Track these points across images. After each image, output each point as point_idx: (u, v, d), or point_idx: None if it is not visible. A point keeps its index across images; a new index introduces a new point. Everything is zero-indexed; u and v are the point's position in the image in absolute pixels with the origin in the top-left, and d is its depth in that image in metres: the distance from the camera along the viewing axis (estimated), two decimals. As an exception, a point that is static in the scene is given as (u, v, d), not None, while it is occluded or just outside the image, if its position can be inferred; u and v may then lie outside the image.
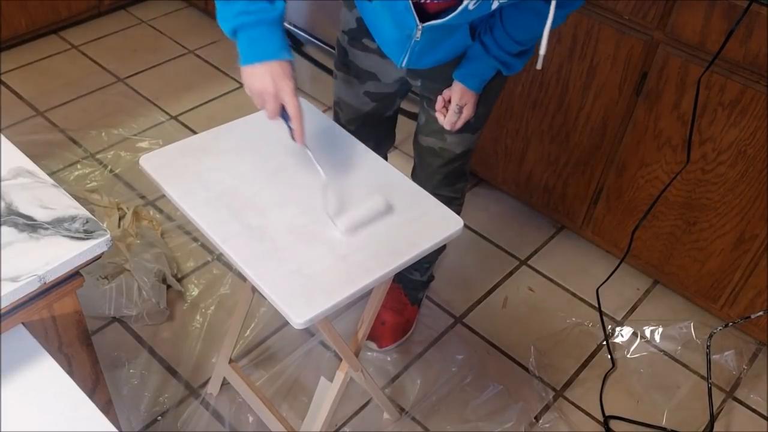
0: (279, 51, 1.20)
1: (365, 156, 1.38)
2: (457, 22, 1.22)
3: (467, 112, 1.44)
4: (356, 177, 1.33)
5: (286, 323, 1.43)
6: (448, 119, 1.45)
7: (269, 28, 1.20)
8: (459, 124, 1.46)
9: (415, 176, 1.73)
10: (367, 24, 1.46)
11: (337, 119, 1.70)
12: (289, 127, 1.24)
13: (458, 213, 1.76)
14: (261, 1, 1.18)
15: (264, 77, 1.20)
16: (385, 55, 1.47)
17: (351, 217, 1.22)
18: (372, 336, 1.93)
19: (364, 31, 1.48)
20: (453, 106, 1.43)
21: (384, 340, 1.94)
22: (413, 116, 2.34)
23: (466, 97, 1.42)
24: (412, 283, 1.97)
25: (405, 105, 1.87)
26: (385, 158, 1.76)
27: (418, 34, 1.29)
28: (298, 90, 1.23)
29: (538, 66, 1.11)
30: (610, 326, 2.09)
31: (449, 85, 1.44)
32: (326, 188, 1.25)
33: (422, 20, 1.26)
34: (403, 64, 1.40)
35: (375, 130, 1.70)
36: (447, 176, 1.66)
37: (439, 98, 1.45)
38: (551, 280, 2.21)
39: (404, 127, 2.01)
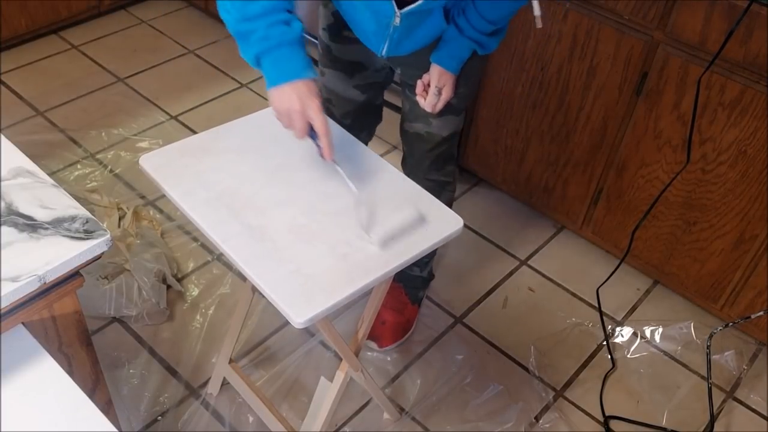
0: (303, 70, 1.23)
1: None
2: (432, 6, 1.27)
3: (446, 94, 1.48)
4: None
5: (286, 323, 1.43)
6: (428, 101, 1.48)
7: (291, 48, 1.22)
8: (439, 106, 1.49)
9: (405, 164, 1.77)
10: (345, 19, 1.49)
11: (330, 115, 1.72)
12: (317, 145, 1.25)
13: (452, 198, 1.82)
14: (278, 26, 1.20)
15: (291, 97, 1.21)
16: (364, 39, 1.50)
17: (385, 230, 1.20)
18: (372, 336, 1.93)
19: (342, 24, 1.52)
20: (432, 89, 1.47)
21: (384, 340, 1.94)
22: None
23: (444, 79, 1.46)
24: (412, 281, 1.97)
25: (392, 99, 1.88)
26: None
27: (397, 20, 1.33)
28: None
29: (538, 24, 1.14)
30: (610, 326, 2.08)
31: (428, 69, 1.47)
32: (359, 203, 1.24)
33: (399, 7, 1.31)
34: (383, 53, 1.45)
35: (367, 119, 1.76)
36: (436, 160, 1.70)
37: (419, 82, 1.49)
38: (551, 280, 2.21)
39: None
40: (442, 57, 1.44)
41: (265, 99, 2.73)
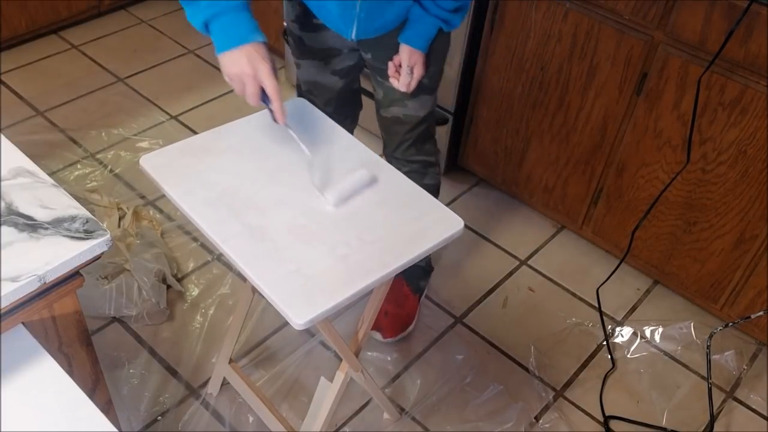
0: (250, 33, 1.25)
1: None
2: None
3: (418, 72, 1.51)
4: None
5: (286, 323, 1.43)
6: (402, 81, 1.51)
7: (237, 13, 1.24)
8: (413, 85, 1.53)
9: (387, 150, 1.80)
10: (309, 6, 1.52)
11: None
12: (270, 109, 1.27)
13: (438, 181, 1.86)
14: None
15: (240, 61, 1.23)
16: (333, 25, 1.52)
17: (339, 189, 1.25)
18: (375, 327, 1.94)
19: (308, 12, 1.54)
20: (404, 68, 1.50)
21: (387, 332, 1.94)
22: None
23: (414, 58, 1.49)
24: (413, 272, 1.99)
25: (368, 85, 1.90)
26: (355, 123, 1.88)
27: None
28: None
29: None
30: (610, 326, 2.08)
31: (397, 52, 1.51)
32: (312, 164, 1.28)
33: None
34: (353, 36, 1.48)
35: (349, 105, 1.79)
36: (415, 141, 1.74)
37: (390, 64, 1.52)
38: (551, 280, 2.21)
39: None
40: (410, 37, 1.48)
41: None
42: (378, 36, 1.51)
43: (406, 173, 1.38)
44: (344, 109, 1.76)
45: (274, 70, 1.26)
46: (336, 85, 1.69)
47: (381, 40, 1.51)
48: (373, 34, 1.50)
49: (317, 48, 1.61)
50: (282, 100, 1.26)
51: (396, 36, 1.49)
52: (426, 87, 1.61)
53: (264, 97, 1.26)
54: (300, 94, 1.74)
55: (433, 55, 1.55)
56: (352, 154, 1.38)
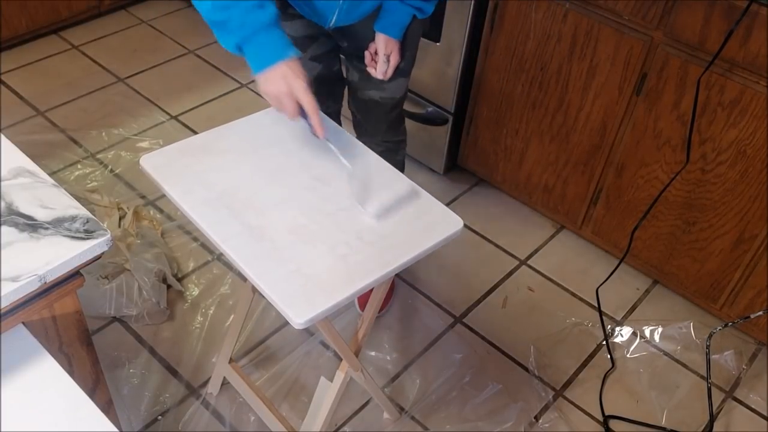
0: (283, 51, 1.26)
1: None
2: None
3: (394, 60, 1.56)
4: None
5: (286, 323, 1.44)
6: (379, 69, 1.56)
7: (268, 32, 1.25)
8: (390, 72, 1.58)
9: (361, 132, 1.83)
10: (290, 2, 1.54)
11: None
12: (309, 123, 1.28)
13: (404, 155, 1.92)
14: (253, 11, 1.23)
15: (276, 80, 1.25)
16: (310, 15, 1.55)
17: (380, 201, 1.24)
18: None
19: (284, 2, 1.56)
20: (381, 56, 1.55)
21: (363, 306, 1.99)
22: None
23: (390, 46, 1.54)
24: None
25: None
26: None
27: None
28: None
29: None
30: (609, 326, 2.09)
31: (372, 39, 1.55)
32: (353, 178, 1.27)
33: None
34: (332, 24, 1.51)
35: (331, 87, 1.81)
36: (392, 123, 1.80)
37: (366, 53, 1.57)
38: (551, 280, 2.21)
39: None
40: (386, 26, 1.52)
41: (266, 99, 2.74)
42: (353, 23, 1.53)
43: (380, 153, 1.41)
44: (326, 91, 1.78)
45: (309, 84, 1.27)
46: (315, 70, 1.71)
47: (356, 27, 1.54)
48: (351, 21, 1.53)
49: (296, 36, 1.63)
50: (319, 113, 1.27)
51: (370, 23, 1.52)
52: (402, 70, 1.64)
53: (302, 111, 1.27)
54: None
55: (408, 41, 1.59)
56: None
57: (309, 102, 1.25)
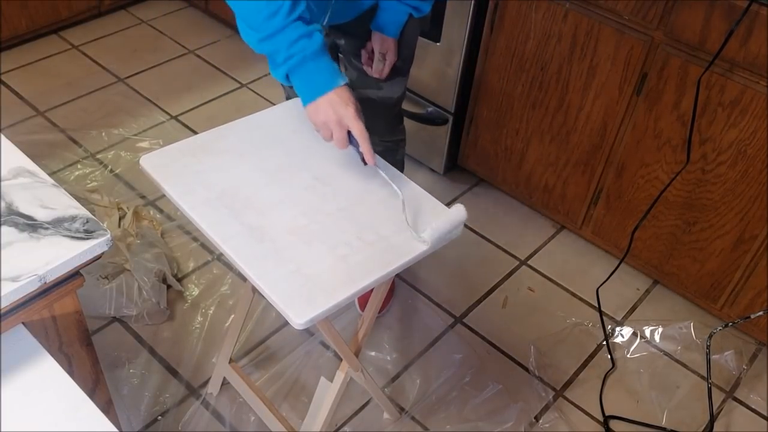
0: (331, 79, 1.24)
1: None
2: None
3: (391, 58, 1.56)
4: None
5: (286, 323, 1.43)
6: (375, 68, 1.56)
7: (315, 61, 1.23)
8: (386, 71, 1.57)
9: None
10: None
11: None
12: (358, 151, 1.25)
13: (404, 155, 1.91)
14: (300, 41, 1.21)
15: (325, 110, 1.23)
16: None
17: (434, 228, 1.20)
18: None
19: None
20: (377, 55, 1.55)
21: (364, 306, 1.97)
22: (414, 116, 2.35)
23: (386, 45, 1.54)
24: None
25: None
26: None
27: None
28: None
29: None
30: (610, 326, 2.09)
31: (369, 37, 1.54)
32: (405, 204, 1.24)
33: None
34: (325, 23, 1.49)
35: None
36: (391, 122, 1.79)
37: (363, 52, 1.57)
38: (551, 280, 2.21)
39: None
40: (382, 24, 1.51)
41: (266, 99, 2.75)
42: (349, 21, 1.53)
43: (380, 152, 1.38)
44: None
45: (359, 112, 1.24)
46: None
47: (353, 25, 1.54)
48: (344, 19, 1.52)
49: None
50: (370, 141, 1.24)
51: (367, 22, 1.52)
52: (400, 69, 1.63)
53: (351, 139, 1.25)
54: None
55: (405, 40, 1.58)
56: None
57: (359, 130, 1.23)
